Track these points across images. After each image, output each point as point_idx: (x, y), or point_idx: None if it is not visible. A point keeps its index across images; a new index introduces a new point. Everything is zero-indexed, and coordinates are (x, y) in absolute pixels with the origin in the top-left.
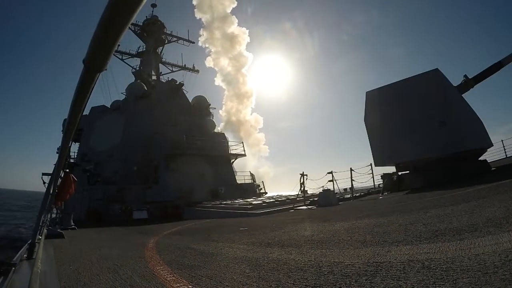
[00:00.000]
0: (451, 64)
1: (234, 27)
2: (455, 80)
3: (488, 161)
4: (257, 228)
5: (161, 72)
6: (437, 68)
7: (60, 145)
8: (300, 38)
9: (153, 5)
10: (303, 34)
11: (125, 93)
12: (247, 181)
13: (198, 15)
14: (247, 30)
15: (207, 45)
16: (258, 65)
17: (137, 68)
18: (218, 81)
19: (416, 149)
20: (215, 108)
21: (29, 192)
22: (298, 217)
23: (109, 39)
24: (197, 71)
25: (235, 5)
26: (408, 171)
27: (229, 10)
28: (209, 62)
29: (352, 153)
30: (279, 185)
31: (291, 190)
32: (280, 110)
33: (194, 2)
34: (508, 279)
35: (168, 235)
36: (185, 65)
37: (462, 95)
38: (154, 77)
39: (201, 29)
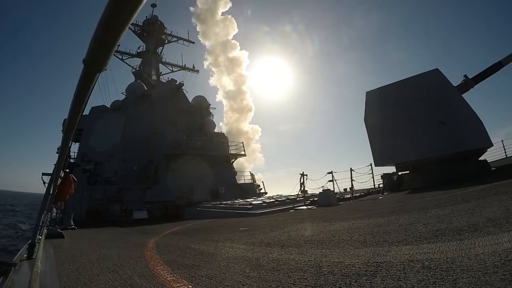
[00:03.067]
0: (451, 64)
1: (236, 52)
2: (455, 80)
3: (488, 161)
4: (257, 228)
5: (161, 72)
6: (437, 68)
7: (60, 145)
8: (300, 39)
9: (153, 5)
10: (303, 36)
11: (125, 93)
12: (247, 181)
13: (202, 40)
14: (247, 52)
15: (211, 67)
16: (258, 67)
17: (137, 68)
18: (219, 97)
19: (416, 149)
20: (215, 108)
21: (27, 193)
22: (298, 217)
23: (109, 39)
24: (197, 71)
25: (236, 31)
26: (408, 171)
27: (231, 37)
28: (212, 82)
29: (352, 153)
30: (278, 188)
31: (291, 191)
32: (280, 112)
33: (198, 29)
34: (508, 279)
35: (168, 235)
36: (185, 65)
37: (462, 95)
38: (154, 77)
39: (206, 53)
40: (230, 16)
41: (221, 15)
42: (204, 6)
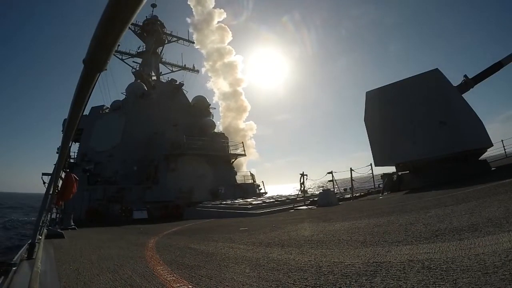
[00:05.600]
0: (451, 64)
1: (231, 57)
2: (455, 80)
3: (488, 161)
4: (257, 228)
5: (161, 72)
6: (437, 68)
7: (60, 145)
8: (299, 34)
9: (153, 5)
10: (301, 31)
11: (125, 93)
12: (247, 181)
13: (199, 48)
14: (242, 57)
15: (209, 74)
16: (256, 59)
17: (137, 68)
18: (216, 99)
19: (416, 149)
20: (215, 108)
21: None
22: (298, 217)
23: (109, 39)
24: (197, 71)
25: (230, 39)
26: (408, 171)
27: (226, 43)
28: (209, 85)
29: (350, 143)
30: (278, 178)
31: (290, 183)
32: (279, 103)
33: (194, 37)
34: (508, 279)
35: (168, 235)
36: (185, 65)
37: (462, 95)
38: (154, 77)
39: (204, 60)
40: (223, 25)
41: (217, 24)
42: (200, 18)
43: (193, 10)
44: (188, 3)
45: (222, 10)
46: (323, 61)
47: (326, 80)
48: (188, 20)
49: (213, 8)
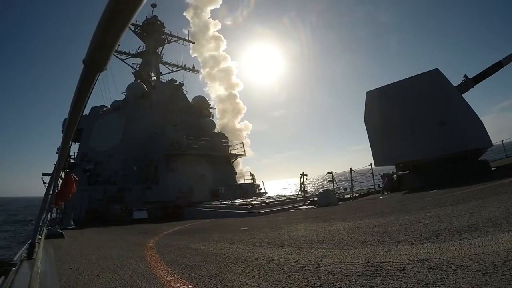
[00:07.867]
0: (451, 64)
1: (227, 63)
2: (455, 80)
3: (488, 161)
4: (257, 228)
5: (161, 72)
6: (437, 68)
7: (60, 145)
8: (295, 30)
9: (153, 5)
10: (298, 26)
11: (125, 93)
12: (247, 181)
13: (197, 56)
14: (237, 63)
15: (206, 80)
16: (252, 57)
17: (137, 68)
18: (212, 103)
19: (416, 149)
20: (215, 108)
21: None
22: (298, 217)
23: (109, 39)
24: (197, 71)
25: (225, 47)
26: (408, 171)
27: (221, 51)
28: (207, 90)
29: (350, 137)
30: (277, 173)
31: (288, 177)
32: (275, 99)
33: (192, 46)
34: (508, 279)
35: (168, 235)
36: (185, 65)
37: (462, 95)
38: (154, 77)
39: (200, 68)
40: (218, 33)
41: (212, 33)
42: (197, 29)
43: (190, 21)
44: (184, 14)
45: (217, 21)
46: (320, 56)
47: (323, 75)
48: (185, 31)
49: (209, 18)
